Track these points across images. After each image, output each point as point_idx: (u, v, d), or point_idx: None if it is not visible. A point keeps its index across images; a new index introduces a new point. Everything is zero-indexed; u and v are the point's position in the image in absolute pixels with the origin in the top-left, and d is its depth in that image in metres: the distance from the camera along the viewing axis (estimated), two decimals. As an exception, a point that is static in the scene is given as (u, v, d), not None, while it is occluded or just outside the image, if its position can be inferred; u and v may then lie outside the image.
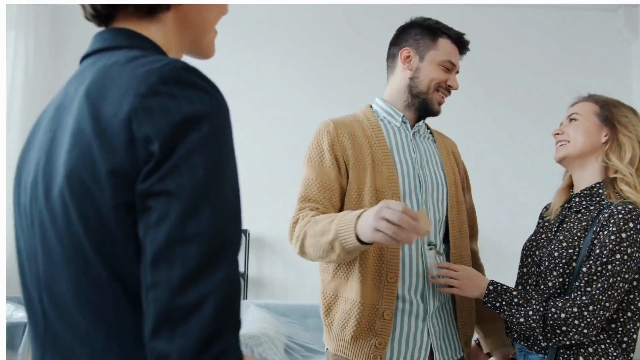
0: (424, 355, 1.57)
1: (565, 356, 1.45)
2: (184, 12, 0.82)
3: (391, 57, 1.74)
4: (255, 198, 4.74)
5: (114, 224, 0.67)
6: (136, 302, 0.67)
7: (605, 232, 1.40)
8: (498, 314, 1.52)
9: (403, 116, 1.69)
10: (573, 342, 1.40)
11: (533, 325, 1.43)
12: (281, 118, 4.81)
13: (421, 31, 1.68)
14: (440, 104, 1.70)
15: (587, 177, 1.57)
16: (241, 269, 4.62)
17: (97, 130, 0.67)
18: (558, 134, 1.61)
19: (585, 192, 1.56)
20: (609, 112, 1.54)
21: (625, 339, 1.42)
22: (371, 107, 1.76)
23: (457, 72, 1.71)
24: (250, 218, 4.72)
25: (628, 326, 1.44)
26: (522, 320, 1.44)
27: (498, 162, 4.58)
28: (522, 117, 4.67)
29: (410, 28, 1.71)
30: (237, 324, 0.68)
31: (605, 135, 1.53)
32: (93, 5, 0.79)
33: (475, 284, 1.53)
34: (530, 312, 1.43)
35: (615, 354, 1.40)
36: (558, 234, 1.57)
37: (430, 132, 1.80)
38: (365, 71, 4.83)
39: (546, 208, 1.75)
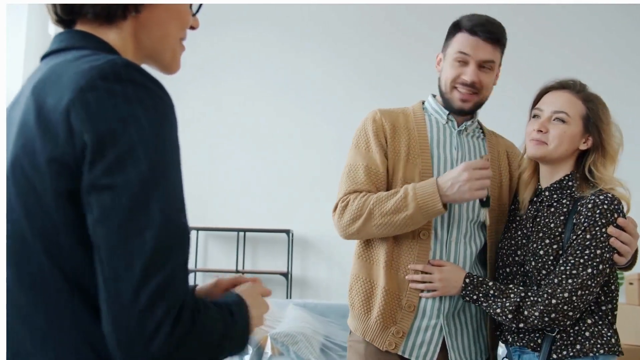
0: (432, 350, 1.57)
1: (562, 344, 1.46)
2: (143, 22, 0.84)
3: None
4: (300, 198, 4.77)
5: (55, 212, 0.70)
6: (76, 289, 0.70)
7: (592, 222, 1.44)
8: (477, 306, 1.55)
9: (449, 114, 1.69)
10: (559, 328, 1.46)
11: (509, 316, 1.46)
12: (326, 117, 4.84)
13: (448, 32, 1.67)
14: (463, 100, 1.62)
15: (558, 172, 1.58)
16: (284, 268, 4.67)
17: (40, 121, 0.70)
18: (540, 130, 1.53)
19: (555, 185, 1.57)
20: (597, 118, 1.52)
21: (612, 319, 1.49)
22: (423, 103, 1.77)
23: (482, 64, 1.59)
24: (294, 218, 4.75)
25: (611, 306, 1.51)
26: (498, 311, 1.48)
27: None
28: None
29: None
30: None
31: (585, 142, 1.54)
32: (55, 11, 0.82)
33: (453, 282, 1.53)
34: (507, 304, 1.47)
35: (609, 333, 1.46)
36: (534, 229, 1.56)
37: (483, 132, 1.76)
38: (410, 70, 4.78)
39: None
